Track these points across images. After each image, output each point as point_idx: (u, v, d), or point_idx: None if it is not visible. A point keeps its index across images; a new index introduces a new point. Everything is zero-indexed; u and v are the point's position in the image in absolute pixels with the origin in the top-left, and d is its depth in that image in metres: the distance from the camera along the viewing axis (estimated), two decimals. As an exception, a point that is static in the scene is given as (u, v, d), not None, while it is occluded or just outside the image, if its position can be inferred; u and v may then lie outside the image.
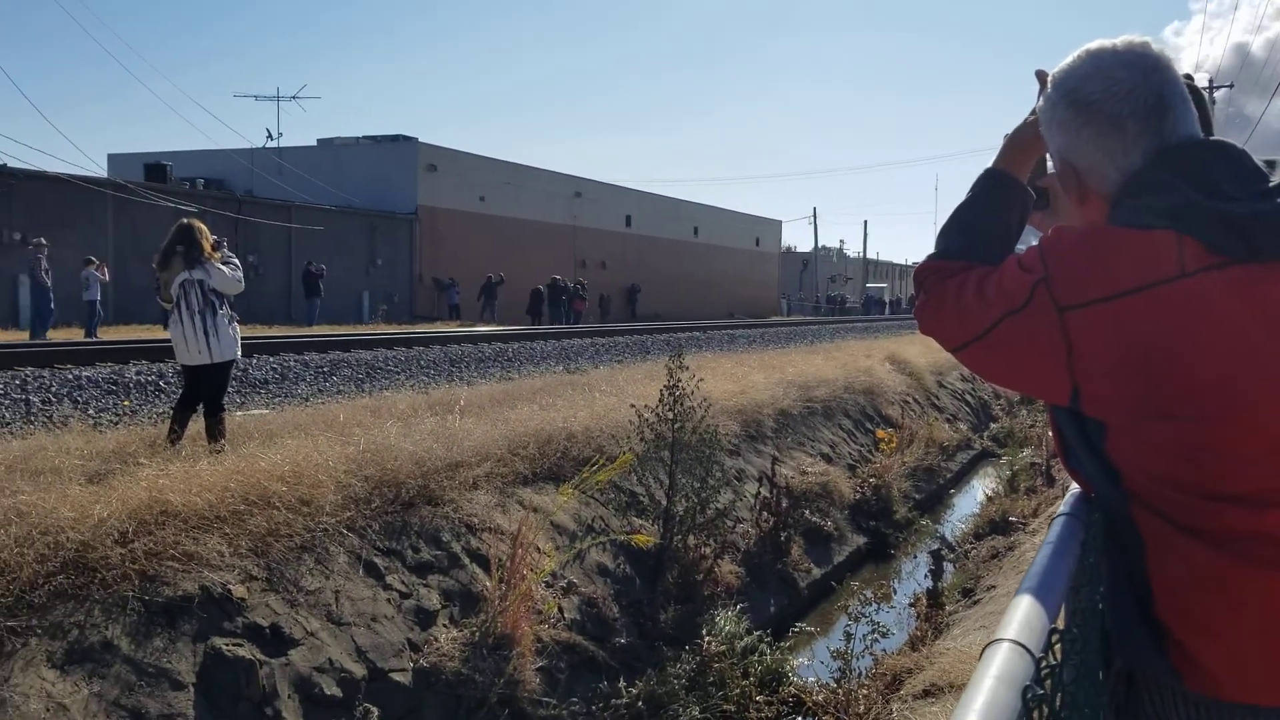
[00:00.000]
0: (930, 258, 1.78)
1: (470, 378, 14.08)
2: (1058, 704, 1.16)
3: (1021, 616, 1.17)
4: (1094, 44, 1.66)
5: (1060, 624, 1.29)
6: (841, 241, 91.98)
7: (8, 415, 8.94)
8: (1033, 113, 1.79)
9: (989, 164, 1.86)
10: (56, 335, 19.56)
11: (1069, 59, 1.68)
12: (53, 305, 20.41)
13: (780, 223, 73.14)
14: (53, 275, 20.63)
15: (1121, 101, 1.59)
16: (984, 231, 1.77)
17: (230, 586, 5.35)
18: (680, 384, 8.57)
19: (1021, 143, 1.82)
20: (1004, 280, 1.59)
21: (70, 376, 10.95)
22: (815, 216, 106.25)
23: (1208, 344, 1.45)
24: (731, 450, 10.95)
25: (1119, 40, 1.64)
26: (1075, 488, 1.85)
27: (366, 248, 38.11)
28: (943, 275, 1.71)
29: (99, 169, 35.19)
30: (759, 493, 10.11)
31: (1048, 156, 1.89)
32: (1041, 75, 1.76)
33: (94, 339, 19.32)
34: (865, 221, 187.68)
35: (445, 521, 6.97)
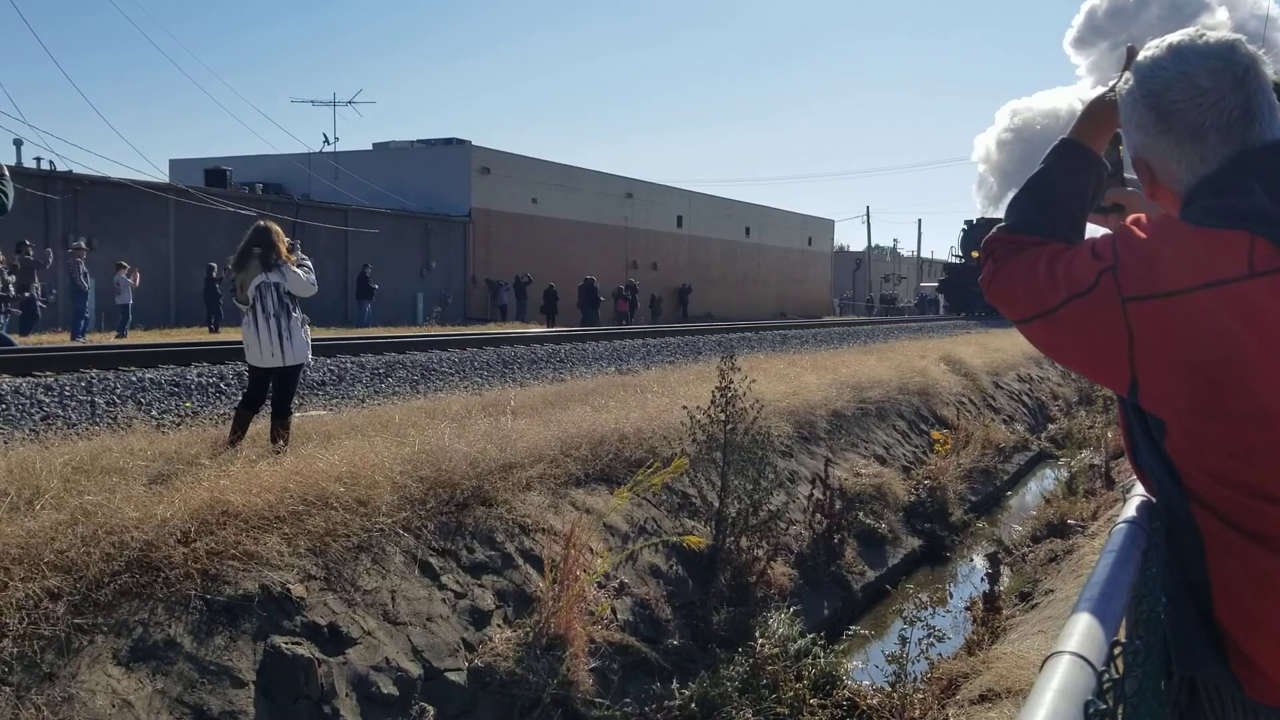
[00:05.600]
0: (1001, 229, 1.76)
1: (523, 379, 14.15)
2: (1119, 718, 1.14)
3: (1082, 628, 1.15)
4: (1179, 37, 1.61)
5: (1122, 635, 1.27)
6: (895, 240, 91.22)
7: (74, 417, 9.15)
8: (1112, 86, 1.74)
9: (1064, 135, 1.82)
10: (94, 338, 20.01)
11: (1152, 51, 1.63)
12: (88, 308, 21.01)
13: (833, 222, 72.79)
14: (91, 279, 21.26)
15: (1206, 113, 1.55)
16: (1057, 206, 1.74)
17: (289, 586, 5.44)
18: (732, 385, 8.55)
19: (1096, 115, 1.79)
20: (1074, 264, 1.59)
21: (134, 378, 11.17)
22: (869, 215, 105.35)
23: (1271, 344, 1.43)
24: (784, 451, 10.91)
25: (1209, 37, 1.58)
26: (1136, 493, 1.82)
27: (421, 250, 38.53)
28: (1014, 249, 1.70)
29: (160, 174, 35.94)
30: (812, 494, 10.05)
31: (1124, 155, 1.85)
32: (1132, 51, 1.71)
33: (124, 340, 19.79)
34: (919, 220, 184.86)
35: (499, 522, 7.02)
